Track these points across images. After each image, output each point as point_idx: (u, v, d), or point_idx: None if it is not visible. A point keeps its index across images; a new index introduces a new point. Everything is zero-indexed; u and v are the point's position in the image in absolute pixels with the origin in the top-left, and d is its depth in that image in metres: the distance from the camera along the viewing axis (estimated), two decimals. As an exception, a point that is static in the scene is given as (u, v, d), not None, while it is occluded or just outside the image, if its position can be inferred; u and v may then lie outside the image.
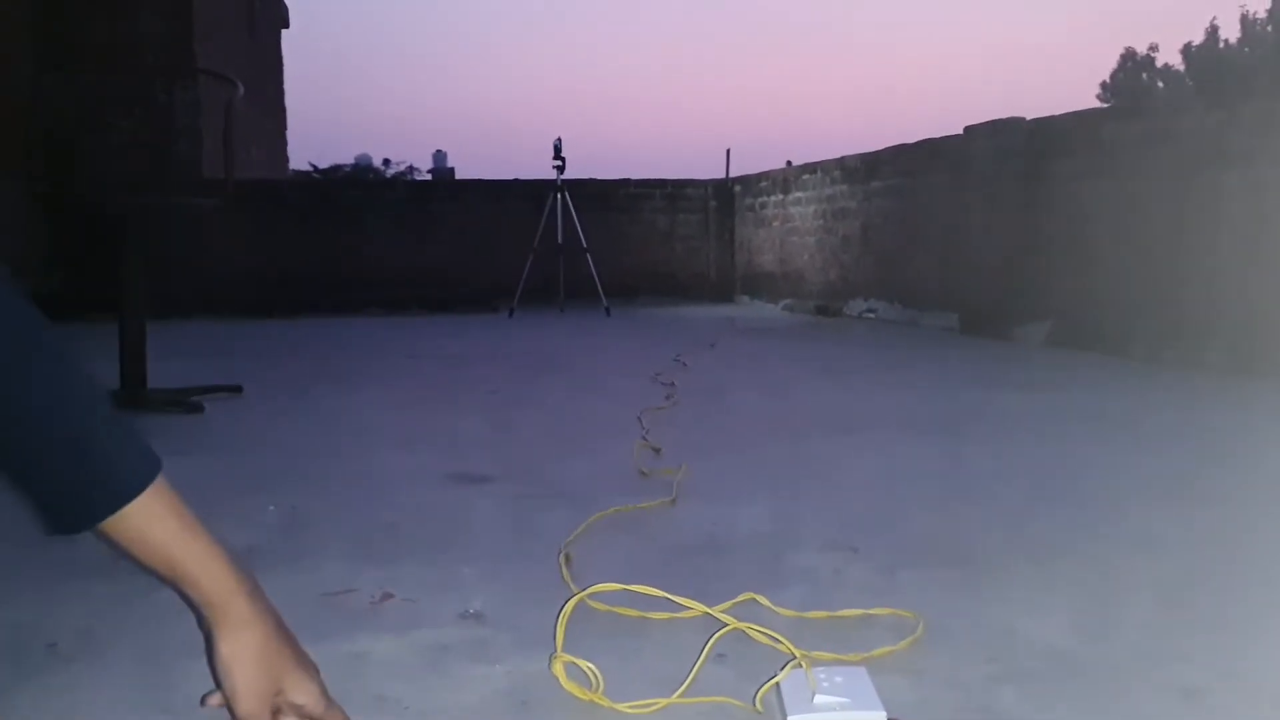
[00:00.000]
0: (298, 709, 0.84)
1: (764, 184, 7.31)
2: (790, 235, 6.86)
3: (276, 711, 0.83)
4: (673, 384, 3.11)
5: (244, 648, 0.81)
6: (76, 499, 0.76)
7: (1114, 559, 1.40)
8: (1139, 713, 0.93)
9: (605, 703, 0.93)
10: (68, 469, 0.75)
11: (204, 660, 1.07)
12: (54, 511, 0.76)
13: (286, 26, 14.30)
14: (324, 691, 0.85)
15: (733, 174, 7.92)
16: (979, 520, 1.60)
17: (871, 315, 5.71)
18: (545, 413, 2.75)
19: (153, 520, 0.79)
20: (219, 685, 0.82)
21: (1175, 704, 0.94)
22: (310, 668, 0.85)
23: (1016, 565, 1.36)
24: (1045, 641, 1.10)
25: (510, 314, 6.51)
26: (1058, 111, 4.24)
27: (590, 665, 0.96)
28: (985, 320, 4.60)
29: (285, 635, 0.85)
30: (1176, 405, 2.76)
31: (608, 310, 6.55)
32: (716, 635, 1.06)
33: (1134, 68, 26.18)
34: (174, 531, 0.80)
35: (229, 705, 0.82)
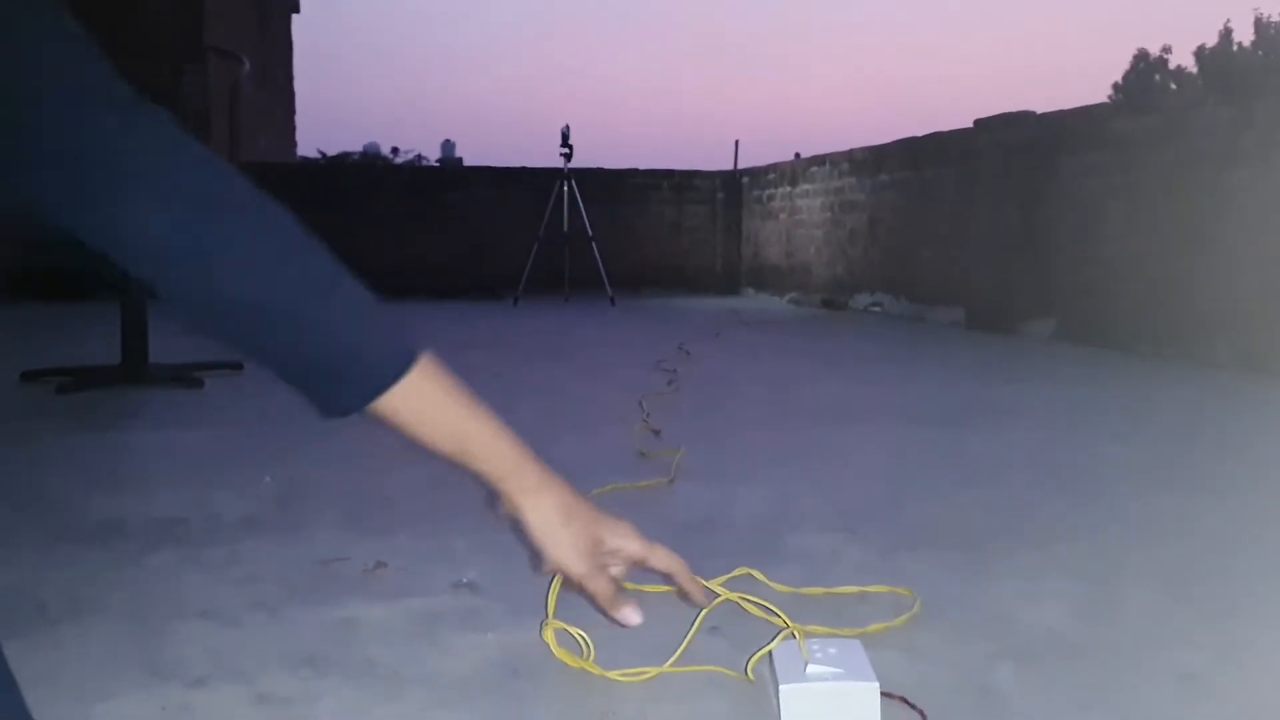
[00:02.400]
0: (622, 556, 0.85)
1: (772, 176, 7.29)
2: (797, 228, 6.84)
3: (603, 565, 0.84)
4: (675, 372, 3.09)
5: (550, 510, 0.82)
6: (338, 387, 0.77)
7: (1114, 546, 1.38)
8: (1138, 694, 0.92)
9: (596, 670, 0.92)
10: (328, 358, 0.76)
11: (192, 622, 1.07)
12: (320, 399, 0.77)
13: (297, 11, 14.29)
14: (639, 535, 0.86)
15: (741, 166, 7.90)
16: (979, 506, 1.59)
17: (877, 309, 5.69)
18: (547, 397, 2.74)
19: (425, 402, 0.79)
20: (542, 558, 0.83)
21: (1174, 686, 0.93)
22: (617, 515, 0.86)
23: (1016, 550, 1.35)
24: (1044, 624, 1.08)
25: (515, 302, 6.50)
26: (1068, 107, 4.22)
27: (581, 633, 0.95)
28: (991, 315, 4.58)
29: (583, 496, 0.85)
30: (1181, 400, 2.74)
31: (612, 300, 6.54)
32: (710, 606, 1.04)
33: (1146, 69, 26.07)
34: (450, 411, 0.80)
35: (561, 571, 0.83)
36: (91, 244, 0.69)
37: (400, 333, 0.78)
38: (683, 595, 0.90)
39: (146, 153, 0.70)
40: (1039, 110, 4.39)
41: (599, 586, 0.82)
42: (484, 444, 0.81)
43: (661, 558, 0.87)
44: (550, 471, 0.83)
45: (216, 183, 0.73)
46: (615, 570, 0.86)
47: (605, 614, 0.83)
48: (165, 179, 0.70)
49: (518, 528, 0.82)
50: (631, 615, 0.83)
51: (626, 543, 0.85)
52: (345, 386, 0.76)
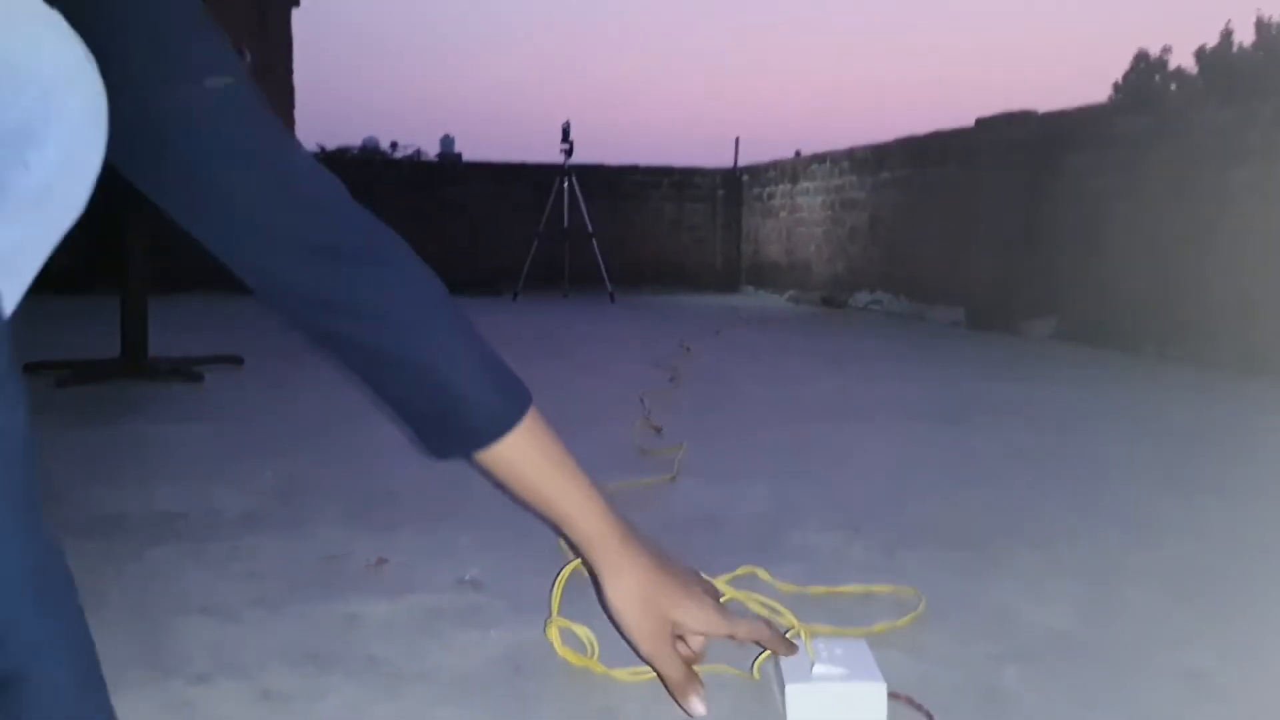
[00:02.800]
0: (702, 635, 0.86)
1: (772, 174, 7.28)
2: (797, 226, 6.83)
3: (681, 639, 0.86)
4: (676, 369, 3.09)
5: (624, 592, 0.83)
6: (440, 436, 0.81)
7: (1116, 546, 1.38)
8: (1142, 695, 0.92)
9: (600, 669, 0.92)
10: (436, 409, 0.80)
11: (193, 618, 1.06)
12: (424, 441, 0.83)
13: (297, 5, 14.25)
14: (721, 614, 0.86)
15: (741, 163, 7.89)
16: (981, 505, 1.59)
17: (877, 307, 5.69)
18: (547, 393, 2.72)
19: (520, 459, 0.82)
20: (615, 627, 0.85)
21: (1179, 686, 0.93)
22: (701, 593, 0.86)
23: (1019, 549, 1.35)
24: (1048, 624, 1.08)
25: (514, 298, 6.50)
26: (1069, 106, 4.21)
27: (586, 631, 0.94)
28: (992, 314, 4.58)
29: (668, 569, 0.86)
30: (1183, 400, 2.74)
31: (612, 296, 6.53)
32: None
33: (1146, 69, 26.09)
34: (542, 471, 0.83)
35: (630, 646, 0.85)
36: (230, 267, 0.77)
37: (509, 391, 0.82)
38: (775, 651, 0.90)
39: (281, 205, 0.73)
40: (1040, 109, 4.39)
41: (667, 670, 0.83)
42: (570, 512, 0.84)
43: (745, 630, 0.86)
44: (637, 545, 0.84)
45: (351, 233, 0.76)
46: (694, 644, 0.87)
47: (673, 697, 0.84)
48: (299, 230, 0.74)
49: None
50: (697, 705, 0.82)
51: (707, 627, 0.85)
52: (446, 437, 0.81)
